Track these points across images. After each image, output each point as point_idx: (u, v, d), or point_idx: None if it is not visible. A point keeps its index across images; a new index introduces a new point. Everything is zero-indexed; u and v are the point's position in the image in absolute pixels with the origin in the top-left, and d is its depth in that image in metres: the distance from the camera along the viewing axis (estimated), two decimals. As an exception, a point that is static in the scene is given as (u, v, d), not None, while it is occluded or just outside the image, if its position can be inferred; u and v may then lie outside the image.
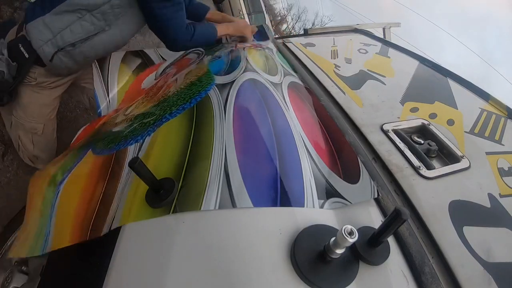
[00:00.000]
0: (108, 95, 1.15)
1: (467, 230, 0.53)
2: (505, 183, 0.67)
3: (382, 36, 1.73)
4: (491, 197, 0.62)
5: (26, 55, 0.88)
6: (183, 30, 1.03)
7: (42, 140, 1.11)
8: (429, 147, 0.71)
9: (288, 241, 0.45)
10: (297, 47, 1.31)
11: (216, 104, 0.75)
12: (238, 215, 0.49)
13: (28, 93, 0.98)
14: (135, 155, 0.70)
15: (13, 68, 0.88)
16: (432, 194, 0.59)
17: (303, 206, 0.51)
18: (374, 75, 1.06)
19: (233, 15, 5.98)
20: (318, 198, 0.53)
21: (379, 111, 0.83)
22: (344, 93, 0.92)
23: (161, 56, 1.41)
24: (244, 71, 0.90)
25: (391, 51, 1.34)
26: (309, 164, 0.60)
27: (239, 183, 0.53)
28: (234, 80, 0.85)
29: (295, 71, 1.04)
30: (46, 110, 1.07)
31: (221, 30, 1.20)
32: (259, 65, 0.99)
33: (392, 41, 1.57)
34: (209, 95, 0.80)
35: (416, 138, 0.74)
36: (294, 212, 0.50)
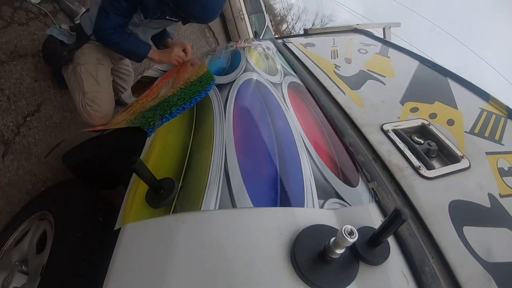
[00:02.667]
0: None
1: (467, 230, 0.53)
2: (505, 183, 0.67)
3: (382, 36, 1.73)
4: (491, 197, 0.62)
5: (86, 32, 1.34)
6: (107, 26, 1.20)
7: (102, 81, 1.33)
8: (429, 147, 0.71)
9: (288, 241, 0.45)
10: (297, 47, 1.31)
11: (216, 104, 0.75)
12: (238, 215, 0.49)
13: (88, 48, 1.33)
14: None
15: (74, 36, 1.35)
16: (432, 194, 0.59)
17: (303, 206, 0.51)
18: (374, 75, 1.06)
19: (233, 15, 5.97)
20: (318, 198, 0.53)
21: (379, 111, 0.83)
22: (344, 93, 0.92)
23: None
24: (244, 71, 0.90)
25: (391, 51, 1.34)
26: (309, 164, 0.60)
27: (239, 183, 0.53)
28: (234, 80, 0.85)
29: (295, 71, 1.04)
30: (100, 56, 1.35)
31: (153, 54, 1.31)
32: (259, 65, 0.99)
33: (392, 41, 1.57)
34: (209, 95, 0.80)
35: (416, 138, 0.74)
36: (294, 212, 0.50)
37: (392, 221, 0.39)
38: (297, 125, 0.72)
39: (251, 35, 5.93)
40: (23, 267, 0.87)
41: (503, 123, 0.88)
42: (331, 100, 0.88)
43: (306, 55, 1.22)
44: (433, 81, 1.09)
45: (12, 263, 0.89)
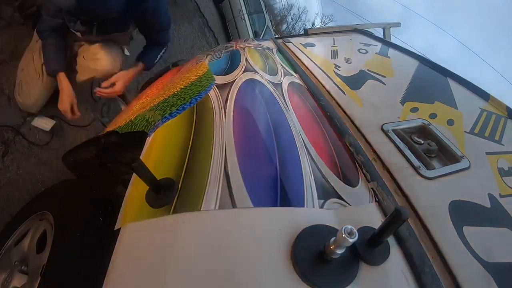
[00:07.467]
0: None
1: (467, 230, 0.53)
2: (505, 183, 0.67)
3: (382, 36, 1.73)
4: (491, 197, 0.62)
5: None
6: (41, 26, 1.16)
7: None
8: (429, 147, 0.71)
9: (288, 241, 0.44)
10: (297, 47, 1.31)
11: (216, 104, 0.75)
12: (238, 215, 0.49)
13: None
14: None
15: None
16: (432, 194, 0.59)
17: (303, 206, 0.51)
18: (374, 75, 1.06)
19: (233, 15, 5.97)
20: (318, 198, 0.53)
21: (379, 111, 0.83)
22: (344, 93, 0.92)
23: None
24: (244, 71, 0.90)
25: (391, 51, 1.34)
26: (309, 164, 0.60)
27: (239, 183, 0.53)
28: (234, 80, 0.85)
29: (295, 71, 1.04)
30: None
31: (60, 78, 1.21)
32: (259, 65, 0.99)
33: (392, 41, 1.57)
34: (209, 95, 0.80)
35: (416, 138, 0.74)
36: (294, 212, 0.50)
37: (392, 221, 0.39)
38: (297, 125, 0.72)
39: (251, 35, 5.93)
40: (23, 267, 0.87)
41: (503, 123, 0.88)
42: (331, 100, 0.88)
43: (306, 55, 1.22)
44: (433, 81, 1.09)
45: (12, 263, 0.89)
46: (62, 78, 1.22)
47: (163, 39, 1.39)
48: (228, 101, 0.75)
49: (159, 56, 1.41)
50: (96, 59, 1.30)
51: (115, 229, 0.54)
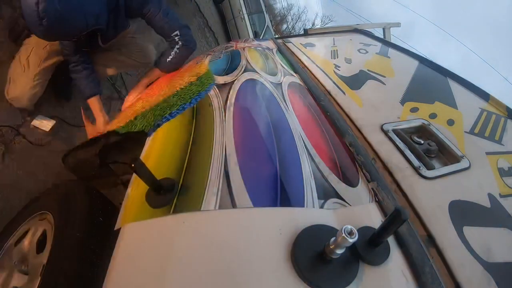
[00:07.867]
0: None
1: (467, 230, 0.53)
2: (505, 183, 0.67)
3: (382, 36, 1.73)
4: (491, 197, 0.62)
5: None
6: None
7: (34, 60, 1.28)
8: (429, 147, 0.71)
9: (288, 241, 0.45)
10: (297, 47, 1.31)
11: (216, 104, 0.75)
12: (238, 215, 0.49)
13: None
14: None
15: None
16: (432, 194, 0.59)
17: (303, 206, 0.51)
18: (374, 75, 1.06)
19: (233, 15, 5.97)
20: (318, 198, 0.53)
21: (379, 111, 0.83)
22: (344, 93, 0.92)
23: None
24: (244, 71, 0.90)
25: (391, 51, 1.34)
26: (309, 164, 0.60)
27: (239, 183, 0.53)
28: (234, 80, 0.85)
29: (295, 71, 1.04)
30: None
31: (93, 103, 1.26)
32: (259, 65, 1.00)
33: (392, 41, 1.57)
34: (209, 95, 0.80)
35: (416, 138, 0.74)
36: (294, 212, 0.50)
37: (392, 221, 0.39)
38: (297, 125, 0.72)
39: (251, 35, 5.93)
40: (23, 267, 0.87)
41: (503, 123, 0.88)
42: (331, 100, 0.88)
43: (306, 55, 1.22)
44: (433, 81, 1.09)
45: (12, 263, 0.89)
46: (92, 103, 1.27)
47: (167, 31, 1.28)
48: (228, 101, 0.75)
49: (172, 54, 1.31)
50: (137, 51, 1.42)
51: (115, 229, 0.54)
